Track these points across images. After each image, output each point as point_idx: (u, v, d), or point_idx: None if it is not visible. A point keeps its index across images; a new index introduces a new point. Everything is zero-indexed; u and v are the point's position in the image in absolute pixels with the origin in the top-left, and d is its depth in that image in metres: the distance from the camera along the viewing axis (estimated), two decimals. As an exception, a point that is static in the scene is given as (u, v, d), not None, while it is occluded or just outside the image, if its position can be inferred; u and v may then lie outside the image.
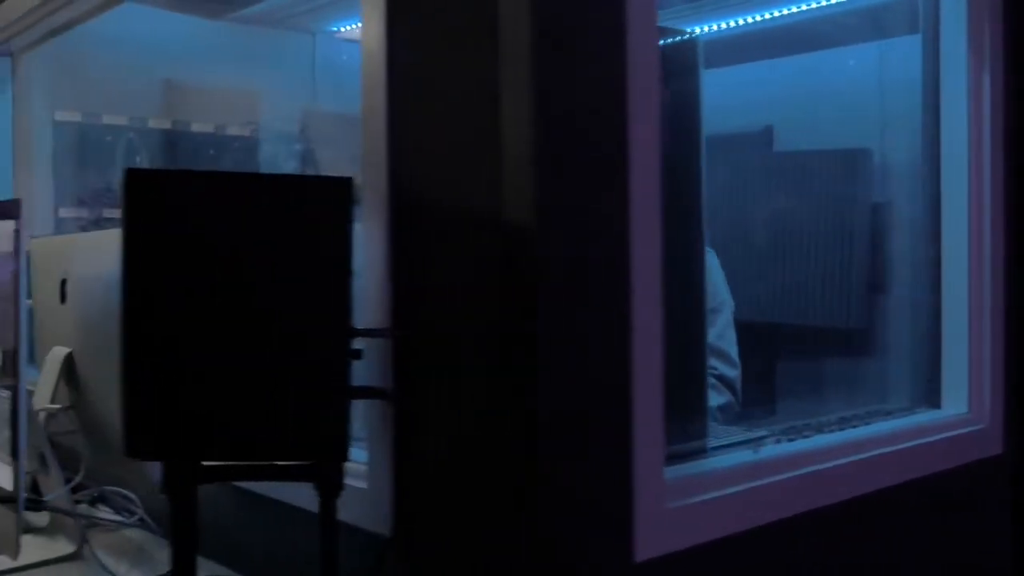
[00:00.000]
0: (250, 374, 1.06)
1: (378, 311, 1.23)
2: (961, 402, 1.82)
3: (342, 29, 3.36)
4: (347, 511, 1.13)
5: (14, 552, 1.32)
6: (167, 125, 3.10)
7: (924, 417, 1.79)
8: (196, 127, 3.18)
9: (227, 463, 1.11)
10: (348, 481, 1.12)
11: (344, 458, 1.09)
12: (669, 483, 1.22)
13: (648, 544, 1.18)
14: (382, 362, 1.23)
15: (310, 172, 3.32)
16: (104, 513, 1.66)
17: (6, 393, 1.31)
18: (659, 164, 1.19)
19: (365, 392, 1.22)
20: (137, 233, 1.04)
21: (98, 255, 1.53)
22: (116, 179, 2.94)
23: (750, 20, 2.77)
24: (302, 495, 1.15)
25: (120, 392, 1.05)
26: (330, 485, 1.12)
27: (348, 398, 1.08)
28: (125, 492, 1.65)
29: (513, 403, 1.10)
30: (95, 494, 1.68)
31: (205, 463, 1.10)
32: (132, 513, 1.62)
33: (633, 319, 1.16)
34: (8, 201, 1.28)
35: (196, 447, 1.08)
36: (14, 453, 1.28)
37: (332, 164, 3.51)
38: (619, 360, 1.15)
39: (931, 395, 1.86)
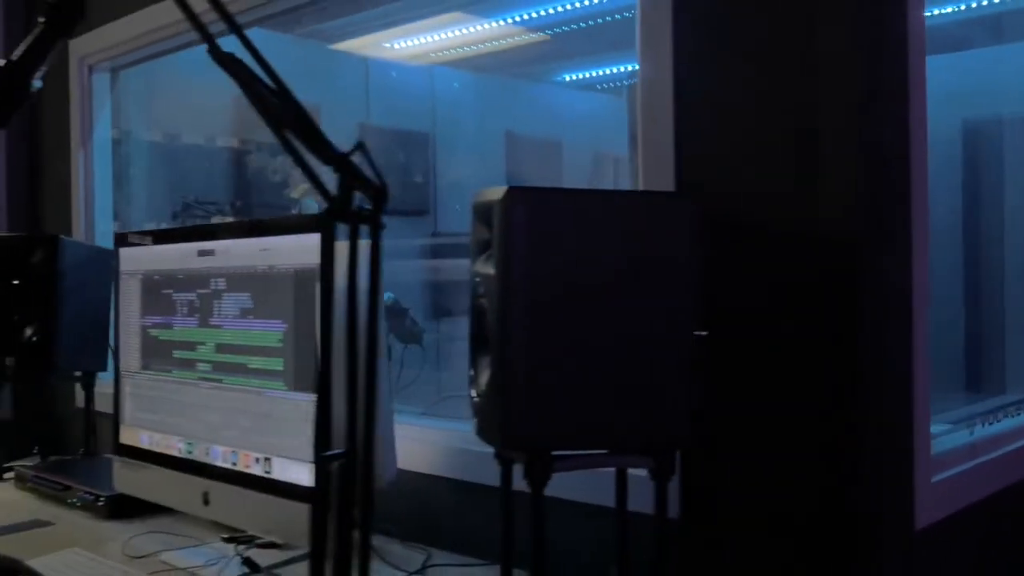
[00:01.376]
0: (608, 374, 1.17)
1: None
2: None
3: (396, 45, 3.46)
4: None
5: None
6: (235, 143, 3.16)
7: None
8: (260, 142, 3.24)
9: (576, 452, 1.21)
10: (634, 472, 1.23)
11: (684, 446, 1.21)
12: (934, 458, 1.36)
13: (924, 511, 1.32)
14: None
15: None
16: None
17: (307, 397, 1.38)
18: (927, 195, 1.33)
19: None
20: (515, 243, 1.14)
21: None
22: (192, 193, 2.99)
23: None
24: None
25: (497, 392, 1.14)
26: (664, 470, 1.23)
27: (689, 397, 1.19)
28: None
29: (831, 404, 1.22)
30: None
31: (555, 452, 1.20)
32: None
33: (914, 325, 1.30)
34: (319, 214, 1.36)
35: (560, 439, 1.18)
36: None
37: (389, 177, 3.62)
38: (905, 359, 1.29)
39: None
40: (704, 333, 1.25)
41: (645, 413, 1.20)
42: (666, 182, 1.38)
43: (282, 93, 0.94)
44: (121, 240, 1.78)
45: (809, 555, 1.27)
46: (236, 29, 0.97)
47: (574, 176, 4.22)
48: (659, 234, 1.19)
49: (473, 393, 1.27)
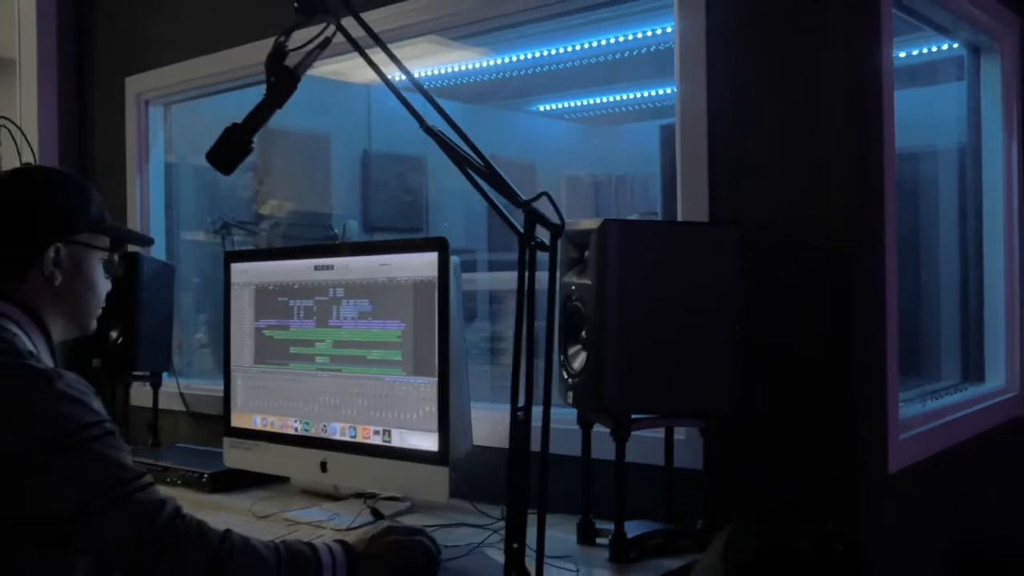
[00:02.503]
0: (672, 359, 1.58)
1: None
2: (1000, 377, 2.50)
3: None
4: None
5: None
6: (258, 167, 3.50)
7: (980, 388, 2.45)
8: (277, 166, 3.59)
9: (647, 416, 1.62)
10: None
11: (729, 412, 1.63)
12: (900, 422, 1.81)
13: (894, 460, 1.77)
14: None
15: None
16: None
17: (425, 380, 1.75)
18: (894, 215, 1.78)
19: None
20: (610, 261, 1.54)
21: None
22: (221, 212, 3.32)
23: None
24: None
25: (591, 371, 1.55)
26: (712, 429, 1.65)
27: (732, 375, 1.61)
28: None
29: (834, 382, 1.66)
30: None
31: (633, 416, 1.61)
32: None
33: (887, 319, 1.75)
34: (435, 238, 1.74)
35: (638, 406, 1.59)
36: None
37: (390, 198, 3.99)
38: (882, 345, 1.74)
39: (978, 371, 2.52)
40: (739, 328, 1.67)
41: (699, 387, 1.62)
42: (701, 207, 1.79)
43: (477, 154, 1.33)
44: (232, 256, 2.13)
45: (813, 494, 1.69)
46: (435, 106, 1.36)
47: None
48: (711, 253, 1.62)
49: (565, 374, 1.66)
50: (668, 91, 3.38)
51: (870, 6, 1.76)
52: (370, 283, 1.85)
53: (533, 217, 1.30)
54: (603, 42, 2.68)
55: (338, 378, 1.91)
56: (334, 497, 2.03)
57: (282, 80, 1.44)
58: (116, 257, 1.61)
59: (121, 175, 2.98)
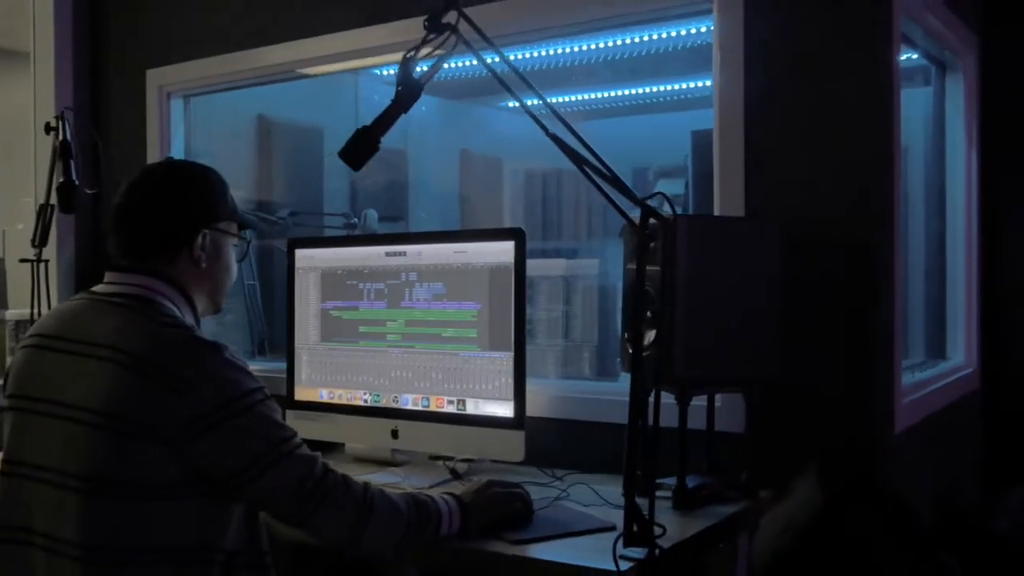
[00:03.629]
0: (726, 336, 1.84)
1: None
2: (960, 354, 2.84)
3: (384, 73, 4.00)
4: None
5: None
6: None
7: (945, 365, 2.79)
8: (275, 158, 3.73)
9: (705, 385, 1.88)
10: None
11: (773, 382, 1.89)
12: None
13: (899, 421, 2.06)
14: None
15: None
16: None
17: (501, 355, 1.97)
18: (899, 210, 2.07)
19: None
20: (684, 250, 1.79)
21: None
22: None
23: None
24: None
25: (660, 348, 1.79)
26: (756, 394, 1.92)
27: (776, 350, 1.88)
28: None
29: (854, 354, 1.94)
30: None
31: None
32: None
33: (895, 301, 2.04)
34: (512, 228, 1.96)
35: (696, 377, 1.84)
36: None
37: (376, 188, 4.16)
38: (890, 322, 2.03)
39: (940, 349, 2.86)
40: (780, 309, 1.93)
41: (748, 360, 1.88)
42: (737, 203, 2.05)
43: (596, 158, 1.56)
44: (296, 243, 2.31)
45: (835, 450, 1.97)
46: (560, 119, 1.58)
47: (512, 188, 4.87)
48: (757, 243, 1.88)
49: (631, 349, 1.90)
50: (624, 92, 3.71)
51: (885, 19, 2.04)
52: (444, 267, 2.06)
53: (647, 211, 1.53)
54: (581, 48, 2.91)
55: (410, 354, 2.11)
56: (391, 463, 2.22)
57: (409, 89, 1.63)
58: (248, 243, 1.78)
59: (141, 166, 3.09)
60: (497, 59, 1.69)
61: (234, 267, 1.72)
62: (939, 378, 2.58)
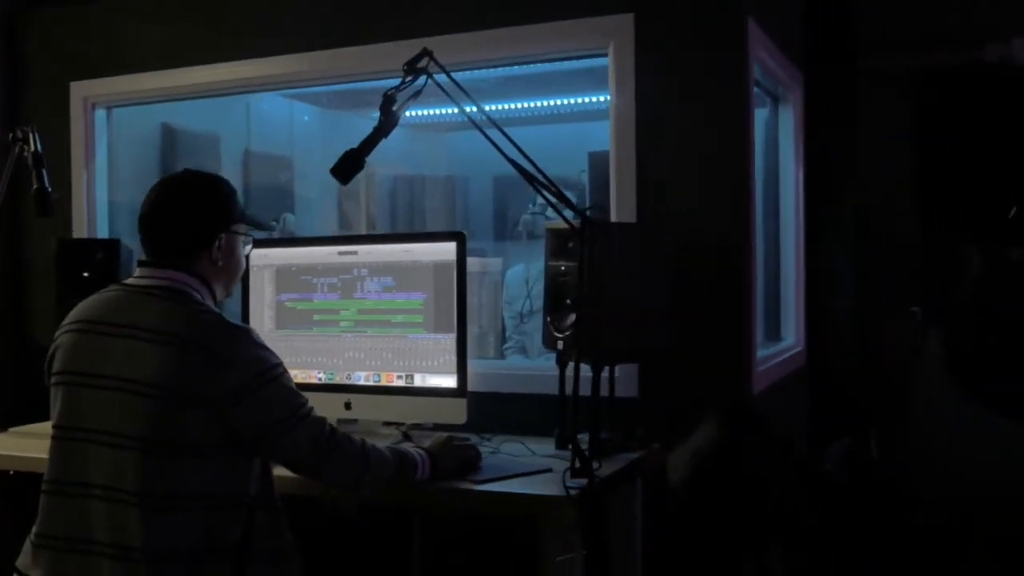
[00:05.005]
0: (626, 317, 2.32)
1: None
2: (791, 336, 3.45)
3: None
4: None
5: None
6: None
7: (780, 344, 3.39)
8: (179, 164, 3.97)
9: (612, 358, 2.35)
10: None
11: (665, 349, 2.39)
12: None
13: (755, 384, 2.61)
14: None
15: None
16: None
17: (445, 336, 2.38)
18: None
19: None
20: (600, 249, 2.25)
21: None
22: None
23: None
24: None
25: (579, 330, 2.26)
26: (648, 364, 2.40)
27: (667, 325, 2.37)
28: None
29: (726, 333, 2.46)
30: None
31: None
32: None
33: (752, 283, 2.59)
34: (455, 232, 2.36)
35: (606, 352, 2.31)
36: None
37: (265, 194, 4.44)
38: (749, 306, 2.57)
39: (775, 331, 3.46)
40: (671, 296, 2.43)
41: (646, 336, 2.36)
42: (630, 211, 2.54)
43: (543, 176, 1.99)
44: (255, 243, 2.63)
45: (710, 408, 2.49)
46: (512, 144, 2.01)
47: (382, 196, 5.27)
48: (656, 246, 2.37)
49: (554, 331, 2.34)
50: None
51: (741, 73, 2.58)
52: (394, 264, 2.45)
53: (585, 220, 1.98)
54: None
55: (362, 337, 2.49)
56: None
57: (388, 119, 2.03)
58: (251, 242, 2.11)
59: (63, 175, 3.28)
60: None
61: (243, 260, 2.05)
62: (778, 355, 3.17)
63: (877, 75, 3.86)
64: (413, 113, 5.17)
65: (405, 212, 5.42)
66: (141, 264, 1.94)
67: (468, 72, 3.33)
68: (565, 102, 3.89)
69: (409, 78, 2.02)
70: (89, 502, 1.79)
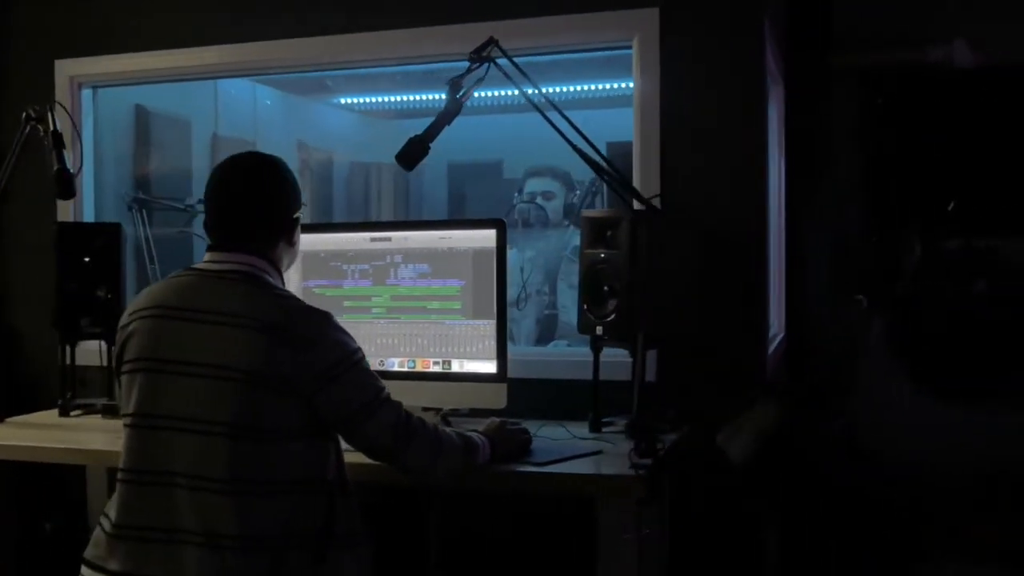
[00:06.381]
0: (667, 300, 2.39)
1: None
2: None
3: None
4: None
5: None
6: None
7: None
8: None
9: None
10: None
11: (693, 332, 2.47)
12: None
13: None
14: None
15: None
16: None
17: (484, 322, 2.40)
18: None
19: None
20: (641, 239, 2.31)
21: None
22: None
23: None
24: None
25: (620, 316, 2.32)
26: (667, 348, 2.48)
27: (694, 311, 2.45)
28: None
29: (747, 315, 2.56)
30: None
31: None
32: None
33: (767, 268, 2.69)
34: (494, 219, 2.39)
35: (652, 331, 2.37)
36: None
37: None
38: (762, 287, 2.68)
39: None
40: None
41: (676, 322, 2.44)
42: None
43: (608, 163, 2.04)
44: (274, 230, 2.60)
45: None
46: (579, 132, 2.05)
47: (339, 182, 5.24)
48: (683, 235, 2.44)
49: (592, 316, 2.40)
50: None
51: (758, 64, 2.67)
52: (430, 251, 2.46)
53: (647, 205, 2.04)
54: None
55: (396, 324, 2.49)
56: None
57: (453, 105, 2.04)
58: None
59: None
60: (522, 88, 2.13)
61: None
62: (771, 340, 3.29)
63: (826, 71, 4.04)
64: (363, 100, 5.20)
65: (360, 199, 5.41)
66: (212, 248, 1.91)
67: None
68: (575, 89, 3.93)
69: (475, 65, 2.04)
70: (172, 490, 1.76)
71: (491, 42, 2.01)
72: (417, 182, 5.34)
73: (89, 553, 1.84)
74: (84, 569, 1.82)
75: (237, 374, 1.74)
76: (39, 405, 2.93)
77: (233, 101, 4.36)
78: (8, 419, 2.75)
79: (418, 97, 4.72)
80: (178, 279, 1.90)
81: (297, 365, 1.76)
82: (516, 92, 2.08)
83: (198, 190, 4.17)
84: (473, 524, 2.82)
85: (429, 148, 2.06)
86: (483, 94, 4.07)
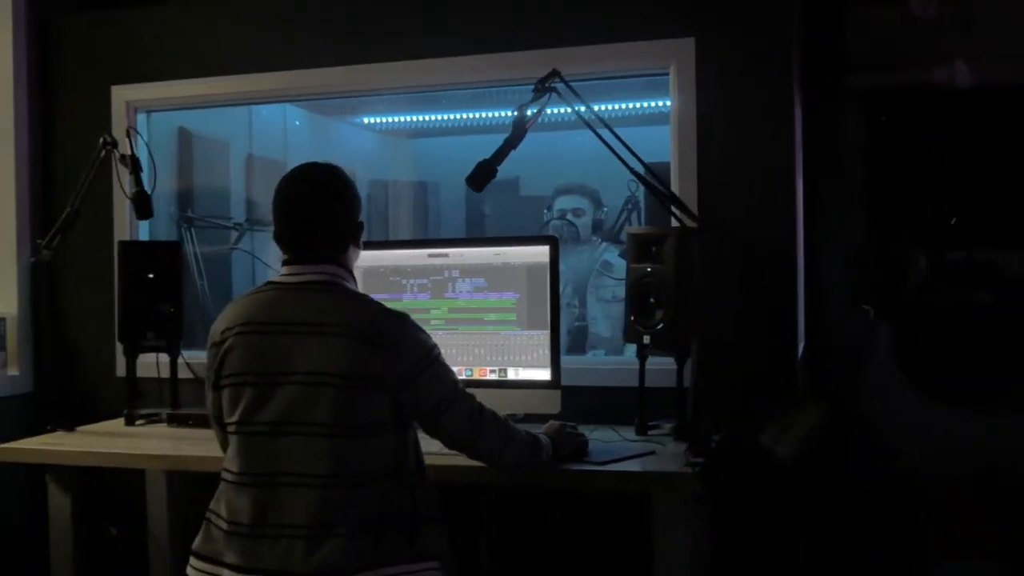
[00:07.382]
0: (712, 313, 2.56)
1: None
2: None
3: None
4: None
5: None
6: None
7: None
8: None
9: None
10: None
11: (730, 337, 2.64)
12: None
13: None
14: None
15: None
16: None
17: (539, 332, 2.57)
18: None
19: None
20: (688, 254, 2.48)
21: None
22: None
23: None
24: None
25: (667, 326, 2.48)
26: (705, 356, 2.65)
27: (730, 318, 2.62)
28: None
29: (779, 325, 2.73)
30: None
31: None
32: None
33: (797, 280, 2.87)
34: (547, 236, 2.55)
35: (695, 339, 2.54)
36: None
37: (264, 196, 4.51)
38: (793, 297, 2.85)
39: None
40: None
41: (715, 328, 2.61)
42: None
43: (664, 186, 2.21)
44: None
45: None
46: (631, 152, 2.22)
47: (363, 198, 5.38)
48: (720, 249, 2.61)
49: (640, 327, 2.56)
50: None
51: (787, 89, 2.85)
52: (485, 266, 2.63)
53: (700, 223, 2.21)
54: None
55: (454, 335, 2.66)
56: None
57: (517, 132, 2.21)
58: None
59: (106, 178, 3.31)
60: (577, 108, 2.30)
61: None
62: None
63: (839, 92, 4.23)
64: (382, 120, 5.38)
65: (379, 216, 5.56)
66: (288, 262, 2.05)
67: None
68: (607, 108, 4.11)
69: (539, 95, 2.21)
70: (278, 490, 1.90)
71: (554, 73, 2.18)
72: (435, 199, 5.51)
73: (202, 547, 1.97)
74: (195, 561, 1.96)
75: (332, 378, 1.90)
76: (98, 416, 3.08)
77: (265, 123, 4.52)
78: (78, 428, 2.89)
79: (431, 117, 4.91)
80: (263, 295, 2.04)
81: (385, 365, 1.91)
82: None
83: (235, 208, 4.36)
84: (521, 524, 2.98)
85: (497, 171, 2.22)
86: (500, 114, 4.28)
